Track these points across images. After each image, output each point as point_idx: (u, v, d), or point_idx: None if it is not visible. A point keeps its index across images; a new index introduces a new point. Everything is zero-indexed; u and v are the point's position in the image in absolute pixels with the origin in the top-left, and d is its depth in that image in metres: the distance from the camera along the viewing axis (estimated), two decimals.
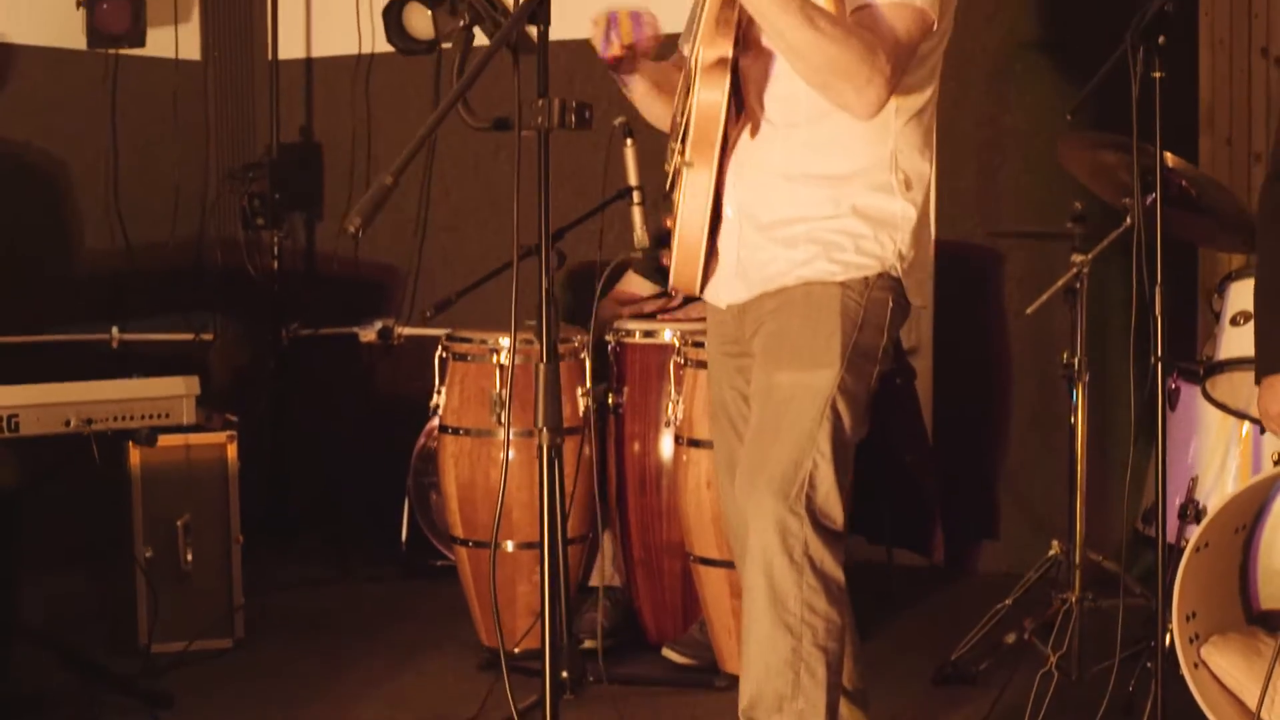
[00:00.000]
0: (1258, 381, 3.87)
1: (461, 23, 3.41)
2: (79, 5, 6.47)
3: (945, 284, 6.28)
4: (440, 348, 5.39)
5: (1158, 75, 4.08)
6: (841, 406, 3.31)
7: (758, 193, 3.40)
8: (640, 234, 5.21)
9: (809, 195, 3.37)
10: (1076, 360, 4.67)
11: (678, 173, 3.44)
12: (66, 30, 6.55)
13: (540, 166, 3.08)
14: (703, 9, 3.31)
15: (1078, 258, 4.65)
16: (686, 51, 3.61)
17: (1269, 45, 5.80)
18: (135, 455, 5.08)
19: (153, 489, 5.15)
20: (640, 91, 3.64)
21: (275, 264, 6.81)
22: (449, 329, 5.51)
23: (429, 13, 6.68)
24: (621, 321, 5.40)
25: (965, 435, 6.41)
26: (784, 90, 3.35)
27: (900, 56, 3.20)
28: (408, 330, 7.04)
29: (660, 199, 3.73)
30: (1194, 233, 4.97)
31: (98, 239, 6.84)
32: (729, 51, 3.31)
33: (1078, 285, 4.65)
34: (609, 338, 5.38)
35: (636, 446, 5.27)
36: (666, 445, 5.16)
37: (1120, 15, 5.79)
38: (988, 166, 6.33)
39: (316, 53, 7.22)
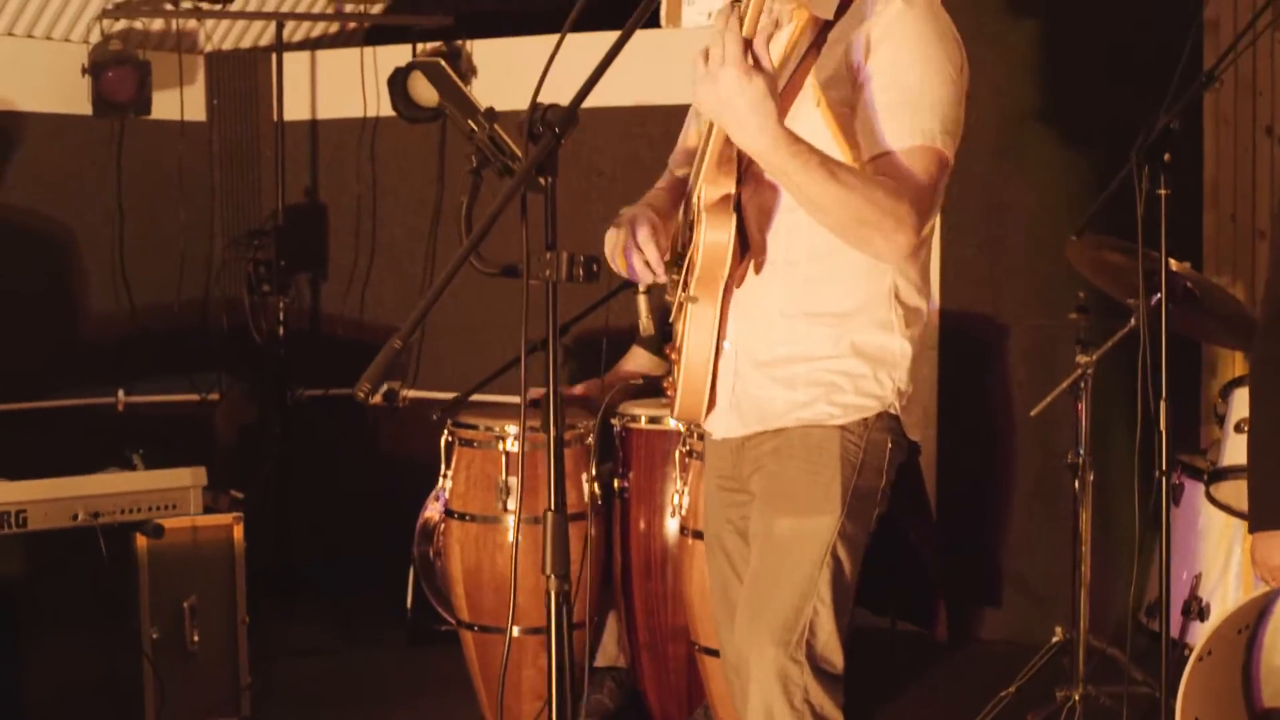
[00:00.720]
0: (1251, 532, 3.88)
1: (469, 167, 3.40)
2: (85, 73, 6.47)
3: (948, 354, 6.31)
4: (446, 432, 5.40)
5: (1163, 193, 4.11)
6: (842, 552, 3.32)
7: (757, 329, 3.40)
8: (645, 322, 5.22)
9: (808, 333, 3.36)
10: (1081, 460, 4.69)
11: (681, 305, 3.45)
12: (73, 97, 6.56)
13: (549, 319, 3.07)
14: (706, 144, 3.30)
15: (1082, 358, 4.68)
16: (680, 174, 3.62)
17: (1273, 124, 5.83)
18: (142, 541, 5.08)
19: (159, 572, 5.15)
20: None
21: (281, 330, 6.79)
22: (454, 393, 5.53)
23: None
24: (627, 405, 5.41)
25: (968, 504, 6.42)
26: (785, 226, 3.34)
27: (923, 199, 3.20)
28: (413, 393, 7.06)
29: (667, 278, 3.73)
30: (1196, 330, 5.00)
31: (103, 303, 6.86)
32: (732, 189, 3.32)
33: (1082, 385, 4.67)
34: (614, 421, 5.40)
35: (641, 531, 5.28)
36: (672, 532, 5.18)
37: (1126, 92, 5.92)
38: (992, 238, 6.34)
39: (321, 115, 7.22)
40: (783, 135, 3.02)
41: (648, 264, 3.43)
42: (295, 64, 7.20)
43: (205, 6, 6.60)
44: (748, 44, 3.00)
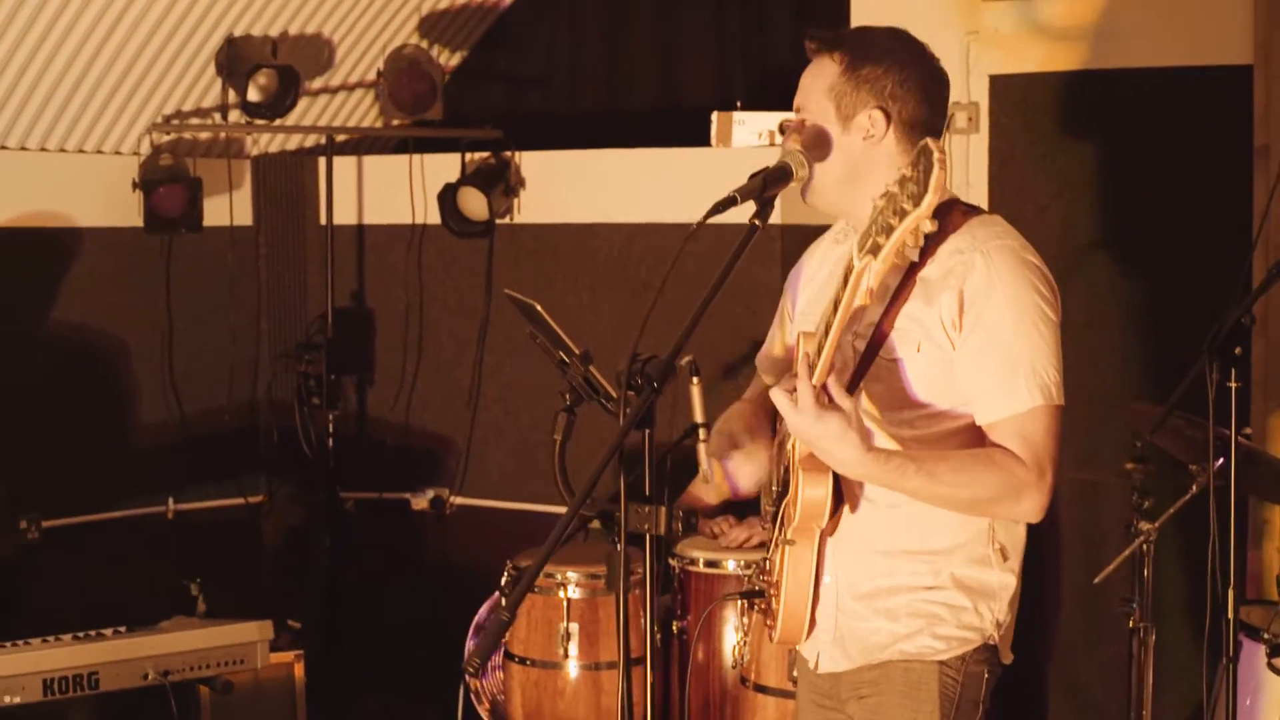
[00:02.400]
0: None
1: (563, 406, 3.43)
2: (135, 187, 6.51)
3: None
4: (506, 574, 5.44)
5: (1233, 385, 4.13)
6: None
7: (857, 564, 3.44)
8: (705, 469, 5.29)
9: (908, 568, 3.40)
10: (1143, 626, 4.72)
11: (778, 544, 3.49)
12: (123, 210, 6.59)
13: (650, 574, 3.11)
14: None
15: (1145, 525, 4.70)
16: (769, 383, 3.66)
17: None
18: (207, 691, 5.14)
19: (222, 712, 5.22)
20: (744, 474, 3.71)
21: (330, 441, 6.83)
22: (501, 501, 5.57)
23: (484, 196, 6.72)
24: (685, 546, 5.44)
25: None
26: None
27: (1044, 458, 3.24)
28: (460, 500, 7.10)
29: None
30: (1252, 488, 5.02)
31: (154, 412, 6.90)
32: None
33: (1145, 550, 4.70)
34: (672, 562, 5.44)
35: (701, 674, 5.31)
36: (731, 678, 5.21)
37: (1176, 210, 5.95)
38: None
39: (369, 220, 7.26)
40: (872, 458, 3.11)
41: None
42: (342, 168, 7.23)
43: (255, 121, 6.61)
44: (821, 389, 3.08)
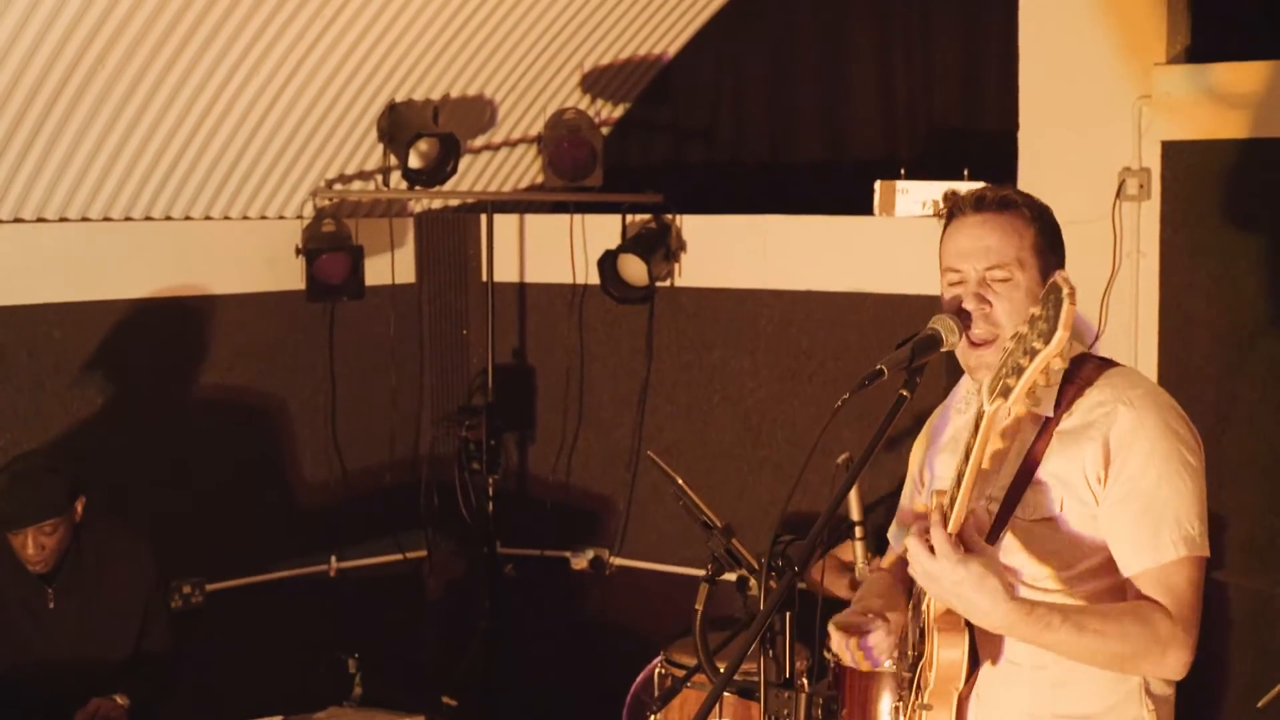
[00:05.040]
0: None
1: (705, 574, 3.41)
2: (298, 253, 6.56)
3: None
4: (661, 666, 5.43)
5: None
6: None
7: None
8: (862, 569, 5.26)
9: None
10: None
11: (915, 709, 3.43)
12: (286, 273, 6.67)
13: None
14: None
15: None
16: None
17: None
18: None
19: None
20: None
21: (491, 505, 6.85)
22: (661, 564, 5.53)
23: (644, 263, 6.70)
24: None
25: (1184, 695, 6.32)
26: None
27: (1188, 611, 3.17)
28: (620, 561, 7.10)
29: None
30: None
31: (316, 471, 6.97)
32: None
33: None
34: (828, 656, 5.39)
35: None
36: None
37: None
38: (1213, 429, 6.22)
39: (530, 279, 7.27)
40: (1016, 607, 3.01)
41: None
42: (504, 226, 7.26)
43: (415, 189, 6.63)
44: (957, 538, 2.98)
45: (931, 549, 2.97)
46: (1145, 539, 3.16)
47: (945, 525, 2.98)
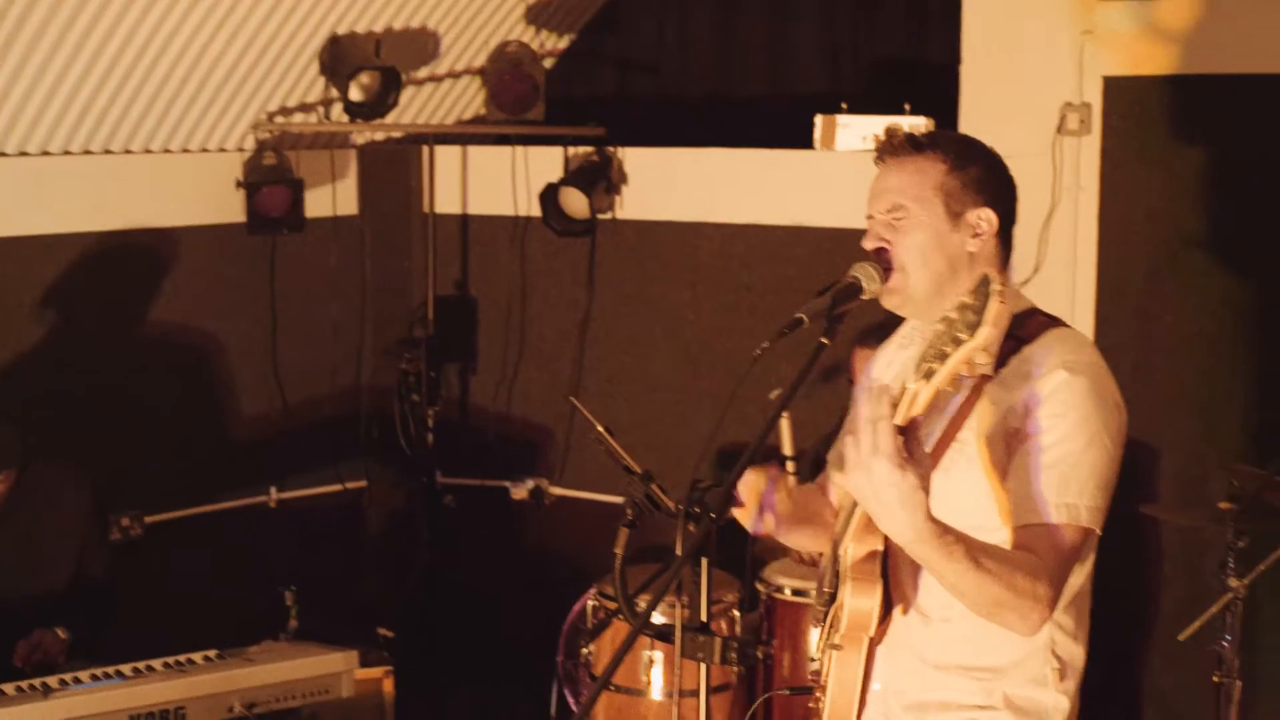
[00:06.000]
0: None
1: (625, 519, 3.42)
2: (239, 186, 6.54)
3: None
4: (594, 601, 5.46)
5: None
6: None
7: (908, 674, 3.39)
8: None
9: (959, 684, 3.34)
10: (1226, 682, 4.67)
11: (826, 647, 3.45)
12: (226, 207, 6.64)
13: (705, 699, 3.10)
14: (855, 503, 3.28)
15: (1234, 582, 4.63)
16: (834, 499, 3.59)
17: None
18: None
19: None
20: (786, 537, 3.63)
21: (430, 436, 6.86)
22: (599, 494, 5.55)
23: (585, 196, 6.70)
24: (772, 573, 5.45)
25: (1111, 625, 6.39)
26: (939, 584, 3.32)
27: (1064, 575, 3.17)
28: (559, 490, 7.12)
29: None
30: None
31: (256, 405, 6.97)
32: (880, 545, 3.30)
33: (1231, 611, 4.64)
34: (759, 587, 5.45)
35: (785, 700, 5.33)
36: None
37: None
38: (1143, 361, 6.27)
39: (472, 210, 7.26)
40: (928, 528, 2.94)
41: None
42: (447, 158, 7.24)
43: (357, 121, 6.61)
44: (902, 431, 2.95)
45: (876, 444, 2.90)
46: (1051, 498, 3.14)
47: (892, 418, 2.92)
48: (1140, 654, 6.38)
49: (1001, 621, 3.15)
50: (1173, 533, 6.25)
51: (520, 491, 7.19)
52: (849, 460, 2.96)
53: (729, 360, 6.63)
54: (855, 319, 3.32)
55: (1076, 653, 3.42)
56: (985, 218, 3.31)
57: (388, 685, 5.46)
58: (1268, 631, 5.69)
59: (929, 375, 2.86)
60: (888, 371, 3.58)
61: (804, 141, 6.50)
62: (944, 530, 2.98)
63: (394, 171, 7.29)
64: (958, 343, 2.81)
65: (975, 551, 3.03)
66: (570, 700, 6.32)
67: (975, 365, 2.85)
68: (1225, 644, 4.67)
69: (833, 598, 3.43)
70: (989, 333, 2.77)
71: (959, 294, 2.88)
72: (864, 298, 3.27)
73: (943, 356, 2.84)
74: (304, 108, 6.79)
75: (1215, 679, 4.72)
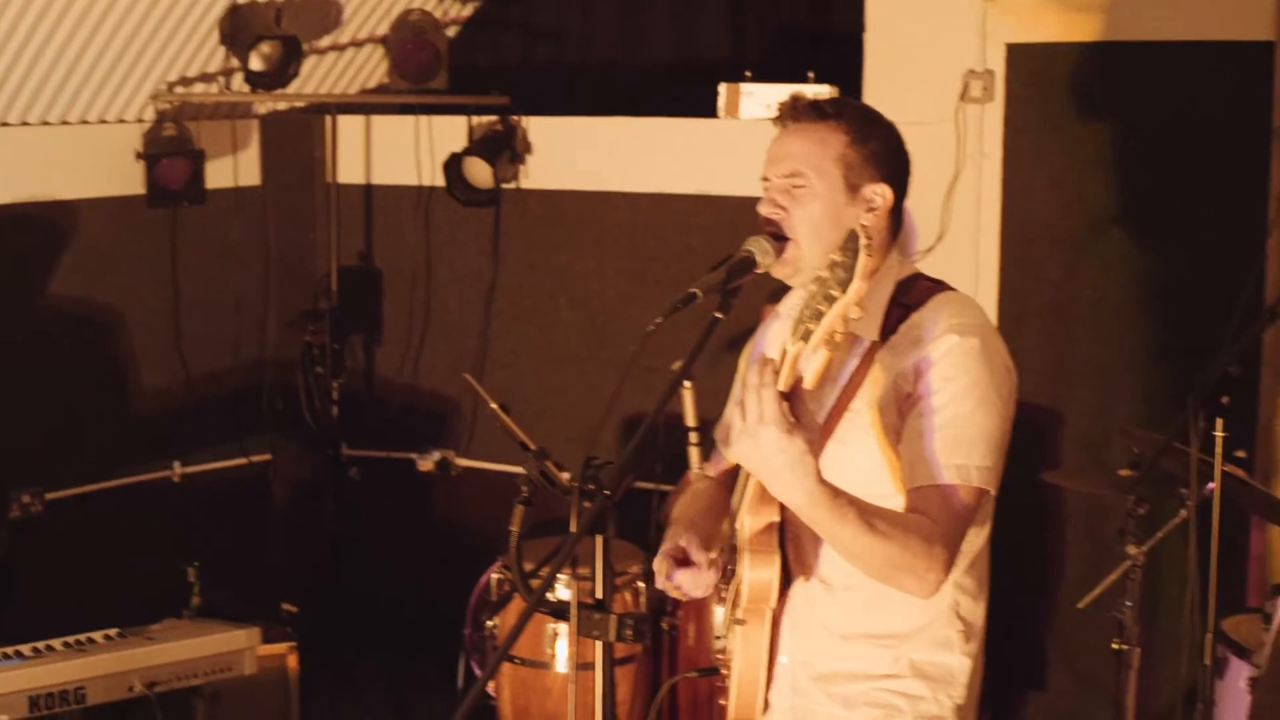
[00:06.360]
0: None
1: (520, 496, 3.40)
2: (139, 157, 6.47)
3: None
4: (498, 573, 5.45)
5: (1219, 434, 4.09)
6: None
7: (814, 645, 3.40)
8: (697, 474, 5.28)
9: (866, 653, 3.36)
10: (1125, 649, 4.70)
11: (730, 623, 3.45)
12: (126, 179, 6.57)
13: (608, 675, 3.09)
14: (748, 476, 3.27)
15: (1133, 549, 4.66)
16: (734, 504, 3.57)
17: None
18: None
19: (214, 708, 5.24)
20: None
21: (335, 409, 6.82)
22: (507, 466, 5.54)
23: (489, 166, 6.66)
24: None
25: (1016, 590, 6.44)
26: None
27: (958, 536, 3.18)
28: (465, 462, 7.09)
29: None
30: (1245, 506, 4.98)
31: (158, 379, 6.89)
32: (776, 517, 3.30)
33: (1131, 576, 4.67)
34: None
35: (688, 668, 5.34)
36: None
37: (1192, 186, 5.87)
38: (1052, 330, 6.31)
39: (376, 180, 7.21)
40: (820, 491, 2.95)
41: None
42: (350, 127, 7.19)
43: (258, 92, 6.54)
44: (786, 397, 2.95)
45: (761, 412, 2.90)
46: (943, 459, 3.15)
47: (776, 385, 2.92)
48: (1045, 619, 6.43)
49: (898, 584, 3.16)
50: (1075, 498, 6.30)
51: (426, 463, 7.15)
52: (735, 429, 2.97)
53: (635, 329, 6.59)
54: (752, 289, 3.30)
55: (979, 613, 3.45)
56: (881, 193, 3.32)
57: (292, 661, 5.46)
58: (1167, 598, 5.74)
59: (806, 336, 2.87)
60: (775, 345, 3.58)
61: (708, 110, 6.49)
62: (836, 493, 2.98)
63: (296, 142, 7.22)
64: (830, 300, 2.82)
65: (869, 515, 3.04)
66: (478, 672, 6.31)
67: (850, 321, 2.86)
68: (1125, 610, 4.69)
69: (733, 573, 3.43)
70: (859, 287, 2.79)
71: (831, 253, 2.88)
72: (758, 271, 3.26)
73: (818, 315, 2.84)
74: (204, 78, 6.70)
75: (1115, 646, 4.74)
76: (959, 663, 3.39)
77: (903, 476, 3.22)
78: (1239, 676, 4.82)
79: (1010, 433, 3.26)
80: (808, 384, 3.01)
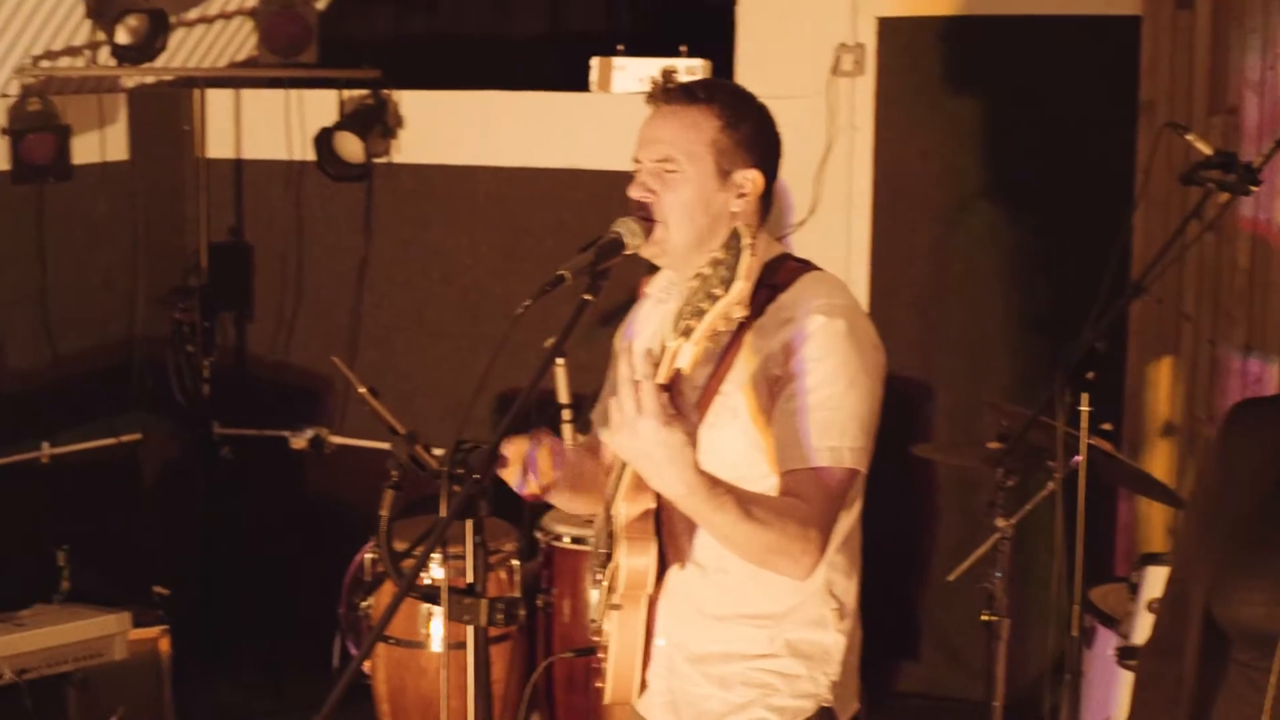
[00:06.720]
0: None
1: (390, 481, 3.37)
2: (3, 133, 6.36)
3: None
4: (372, 554, 5.42)
5: (1085, 409, 4.14)
6: None
7: (690, 626, 3.40)
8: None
9: (742, 634, 3.37)
10: (994, 620, 4.74)
11: (606, 608, 3.45)
12: None
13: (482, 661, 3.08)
14: (625, 465, 3.27)
15: (1002, 522, 4.70)
16: (609, 460, 3.56)
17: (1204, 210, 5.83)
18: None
19: (85, 694, 5.18)
20: (558, 501, 3.61)
21: (206, 387, 6.75)
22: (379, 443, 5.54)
23: (360, 141, 6.61)
24: (551, 522, 5.45)
25: (888, 562, 6.50)
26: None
27: (832, 517, 3.19)
28: (339, 439, 7.04)
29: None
30: (1112, 478, 5.05)
31: (24, 357, 6.78)
32: (652, 504, 3.30)
33: (1000, 549, 4.71)
34: (539, 535, 5.45)
35: (564, 645, 5.34)
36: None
37: (1062, 160, 5.94)
38: (924, 302, 6.36)
39: (246, 155, 7.12)
40: (698, 481, 2.95)
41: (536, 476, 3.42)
42: (220, 101, 7.10)
43: (125, 66, 6.44)
44: (665, 389, 2.95)
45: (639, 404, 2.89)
46: (814, 441, 3.16)
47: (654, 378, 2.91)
48: (916, 591, 6.50)
49: (774, 568, 3.17)
50: (946, 471, 6.36)
51: (300, 441, 7.09)
52: (614, 422, 2.96)
53: (508, 305, 6.49)
54: (628, 267, 3.30)
55: (852, 590, 3.46)
56: (752, 179, 3.32)
57: (164, 645, 5.42)
58: (1036, 569, 5.82)
59: (687, 332, 2.87)
60: (646, 327, 3.58)
61: (581, 84, 6.48)
62: (714, 483, 2.99)
63: (165, 116, 7.11)
64: (713, 298, 2.82)
65: (745, 502, 3.05)
66: (353, 652, 6.28)
67: (731, 320, 2.86)
68: (994, 582, 4.73)
69: (609, 558, 3.43)
70: (742, 287, 2.80)
71: (713, 249, 2.89)
72: (626, 253, 3.26)
73: (700, 313, 2.85)
74: (70, 51, 6.58)
75: (985, 617, 4.79)
76: (834, 640, 3.41)
77: (775, 459, 3.22)
78: (1107, 646, 4.88)
79: (880, 411, 3.28)
80: (686, 371, 3.01)
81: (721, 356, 3.28)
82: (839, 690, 3.44)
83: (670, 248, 3.28)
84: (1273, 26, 5.49)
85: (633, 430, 2.91)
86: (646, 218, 3.27)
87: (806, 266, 3.39)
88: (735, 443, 3.26)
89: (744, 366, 3.26)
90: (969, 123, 6.26)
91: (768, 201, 3.37)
